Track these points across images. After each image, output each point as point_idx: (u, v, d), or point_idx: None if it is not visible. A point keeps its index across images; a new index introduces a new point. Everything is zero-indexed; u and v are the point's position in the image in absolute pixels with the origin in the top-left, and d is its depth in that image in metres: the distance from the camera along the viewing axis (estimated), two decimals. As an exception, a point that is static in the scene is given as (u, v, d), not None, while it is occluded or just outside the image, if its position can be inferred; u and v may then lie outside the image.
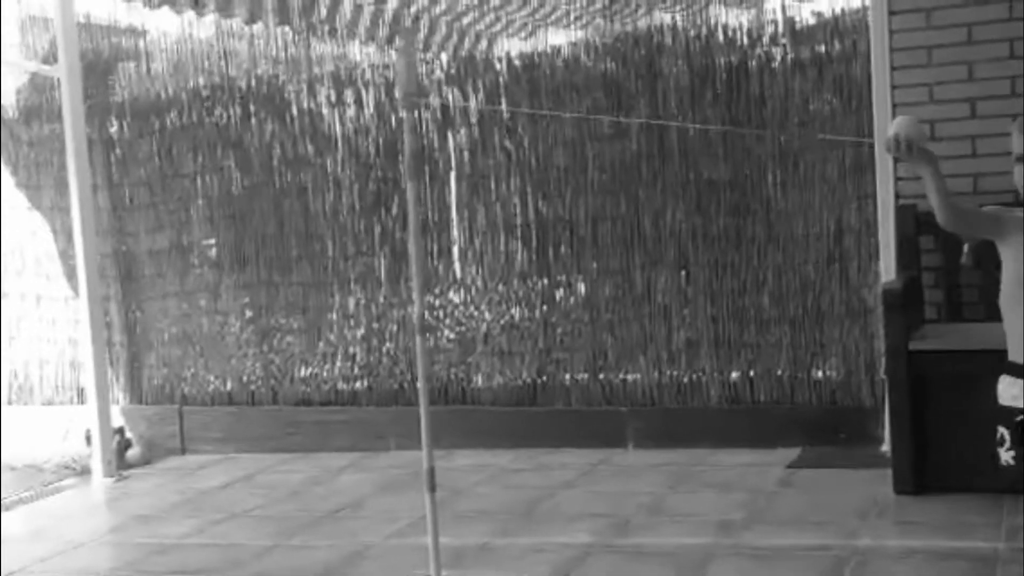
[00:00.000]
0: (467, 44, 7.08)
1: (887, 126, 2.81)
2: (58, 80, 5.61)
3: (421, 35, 6.70)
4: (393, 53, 6.07)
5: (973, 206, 3.01)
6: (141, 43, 6.33)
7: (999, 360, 2.80)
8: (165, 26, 6.40)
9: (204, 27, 6.23)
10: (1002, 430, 2.79)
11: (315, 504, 4.65)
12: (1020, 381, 2.74)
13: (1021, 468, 2.76)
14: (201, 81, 6.08)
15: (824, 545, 3.52)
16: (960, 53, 4.46)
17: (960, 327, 4.21)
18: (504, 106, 5.46)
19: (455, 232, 5.61)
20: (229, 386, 6.02)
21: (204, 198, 6.05)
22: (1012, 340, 2.77)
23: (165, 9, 5.83)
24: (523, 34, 6.86)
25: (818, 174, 4.97)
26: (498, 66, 5.53)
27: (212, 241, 6.07)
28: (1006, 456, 2.78)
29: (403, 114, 3.27)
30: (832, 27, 4.98)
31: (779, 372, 5.05)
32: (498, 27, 6.94)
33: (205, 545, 4.18)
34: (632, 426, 5.20)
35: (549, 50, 5.53)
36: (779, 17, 5.12)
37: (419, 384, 3.13)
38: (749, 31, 5.12)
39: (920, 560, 3.31)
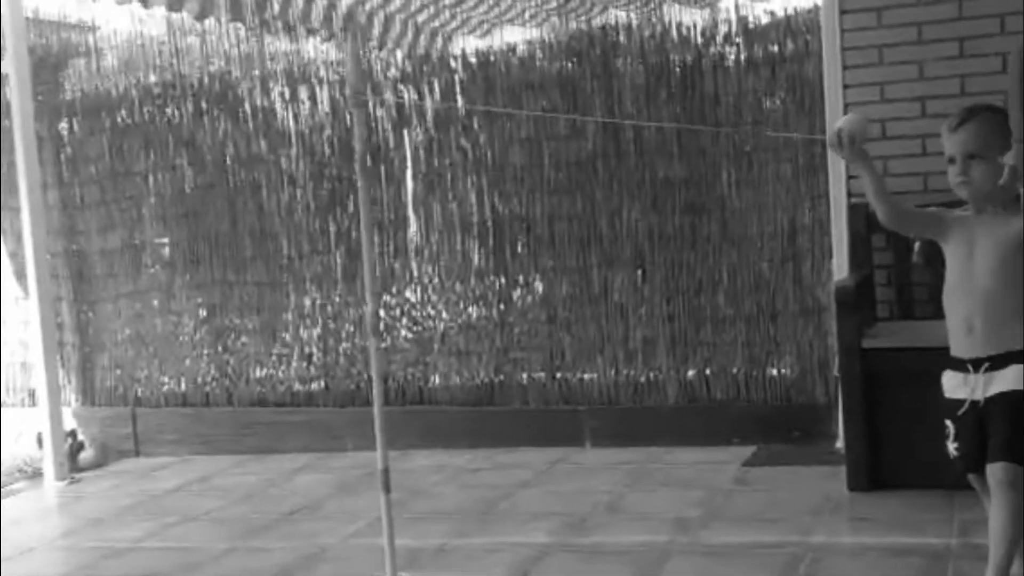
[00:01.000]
0: (423, 42, 7.05)
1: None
2: (6, 76, 5.52)
3: (376, 32, 6.66)
4: (344, 50, 6.03)
5: (913, 206, 3.07)
6: (91, 39, 6.25)
7: (948, 357, 2.85)
8: (116, 22, 6.32)
9: (155, 23, 6.16)
10: (947, 422, 2.85)
11: (271, 506, 4.61)
12: (960, 375, 2.79)
13: (966, 458, 2.81)
14: (153, 78, 6.01)
15: (779, 542, 3.55)
16: (911, 52, 4.50)
17: (911, 324, 4.26)
18: (460, 103, 5.45)
19: (411, 231, 5.59)
20: (183, 387, 5.96)
21: (156, 196, 5.99)
22: (953, 336, 2.82)
23: (112, 3, 5.75)
24: (479, 32, 6.84)
25: (772, 173, 5.01)
26: (453, 64, 5.52)
27: (165, 240, 6.01)
28: (952, 447, 2.84)
29: (353, 112, 3.24)
30: (785, 26, 5.02)
31: (734, 370, 5.08)
32: (454, 25, 6.92)
33: (159, 549, 4.14)
34: (589, 425, 5.21)
35: (505, 48, 5.53)
36: (732, 16, 5.15)
37: (373, 384, 3.11)
38: (703, 30, 5.14)
39: (874, 556, 3.34)
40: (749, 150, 5.04)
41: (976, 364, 2.77)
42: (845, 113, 4.25)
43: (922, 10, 4.47)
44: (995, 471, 2.71)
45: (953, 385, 2.84)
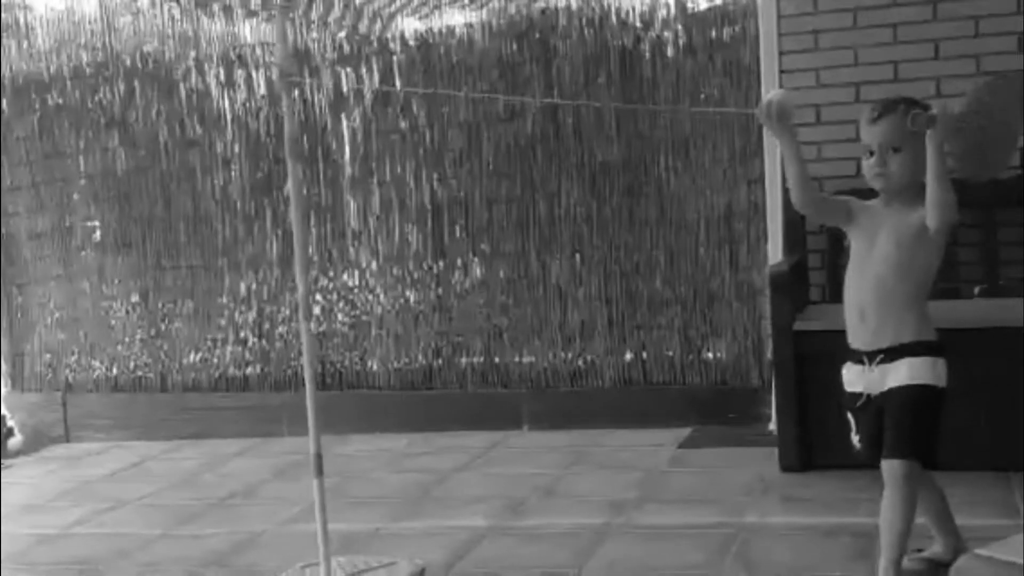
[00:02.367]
0: (363, 23, 6.98)
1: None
2: (-67, 56, 5.39)
3: (316, 13, 6.58)
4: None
5: (827, 193, 3.08)
6: (23, 18, 6.11)
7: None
8: (50, 0, 6.19)
9: (89, 3, 6.03)
10: (848, 414, 2.89)
11: (206, 491, 4.56)
12: (857, 367, 2.81)
13: (868, 451, 2.85)
14: (85, 58, 5.90)
15: (712, 523, 3.58)
16: (846, 38, 4.55)
17: (843, 307, 4.30)
18: (398, 86, 5.41)
19: (349, 214, 5.55)
20: (115, 372, 5.87)
21: (88, 178, 5.88)
22: (849, 324, 2.83)
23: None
24: (420, 14, 6.79)
25: (709, 157, 5.04)
26: (392, 46, 5.48)
27: (96, 223, 5.91)
28: (855, 439, 2.87)
29: (283, 93, 3.19)
30: (723, 11, 5.05)
31: (671, 353, 5.12)
32: (393, 7, 6.86)
33: (92, 535, 4.08)
34: (527, 408, 5.22)
35: (444, 30, 5.50)
36: (671, 1, 5.16)
37: (305, 367, 3.08)
38: (642, 14, 5.15)
39: (804, 536, 3.38)
40: (688, 135, 5.07)
41: (871, 357, 2.78)
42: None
43: (858, -4, 4.53)
44: (889, 467, 2.75)
45: (851, 378, 2.85)
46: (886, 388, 2.76)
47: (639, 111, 5.09)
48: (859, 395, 2.82)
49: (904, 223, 2.73)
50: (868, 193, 2.90)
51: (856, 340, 2.82)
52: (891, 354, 2.75)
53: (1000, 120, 2.64)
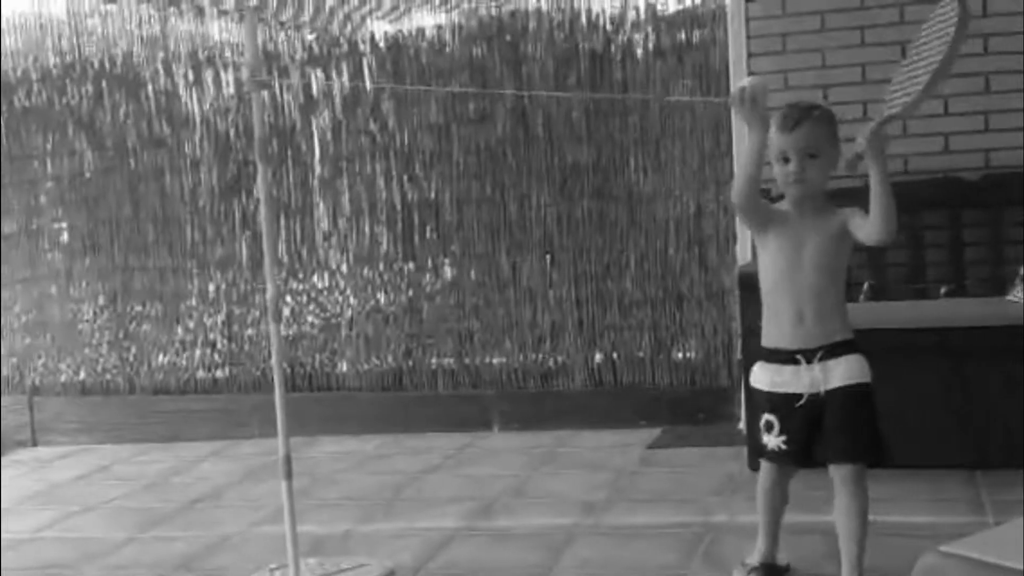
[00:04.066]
0: (333, 25, 6.96)
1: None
2: None
3: (287, 14, 6.56)
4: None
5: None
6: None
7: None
8: (17, 2, 6.13)
9: (56, 5, 5.98)
10: (768, 416, 2.87)
11: (174, 495, 4.53)
12: (789, 367, 2.82)
13: (795, 451, 2.86)
14: (53, 60, 5.85)
15: (681, 522, 3.60)
16: (814, 41, 4.58)
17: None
18: (368, 86, 5.40)
19: (319, 215, 5.54)
20: (83, 375, 5.83)
21: (55, 180, 5.84)
22: (778, 327, 2.85)
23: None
24: (391, 17, 6.78)
25: (679, 159, 5.07)
26: (362, 47, 5.47)
27: (64, 225, 5.86)
28: (776, 441, 2.86)
29: (252, 94, 3.18)
30: (692, 14, 5.08)
31: (641, 354, 5.14)
32: (364, 9, 6.85)
33: (59, 539, 4.04)
34: (498, 409, 5.22)
35: (414, 32, 5.49)
36: (641, 4, 5.18)
37: (274, 369, 3.06)
38: (612, 17, 5.17)
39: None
40: (658, 136, 5.09)
41: (809, 355, 2.79)
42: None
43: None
44: (841, 472, 2.78)
45: (781, 380, 2.84)
46: (832, 386, 2.79)
47: (612, 111, 5.10)
48: (794, 396, 2.82)
49: (827, 229, 2.80)
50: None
51: (791, 341, 2.82)
52: (829, 351, 2.80)
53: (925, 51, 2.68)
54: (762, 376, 2.89)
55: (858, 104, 4.27)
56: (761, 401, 2.91)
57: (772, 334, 2.87)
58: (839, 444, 2.79)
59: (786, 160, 2.79)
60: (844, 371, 2.79)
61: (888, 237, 2.70)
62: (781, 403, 2.84)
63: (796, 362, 2.81)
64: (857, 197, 2.77)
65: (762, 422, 2.89)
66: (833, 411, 2.79)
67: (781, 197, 2.93)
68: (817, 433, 2.84)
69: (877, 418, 2.82)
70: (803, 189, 2.80)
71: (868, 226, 2.70)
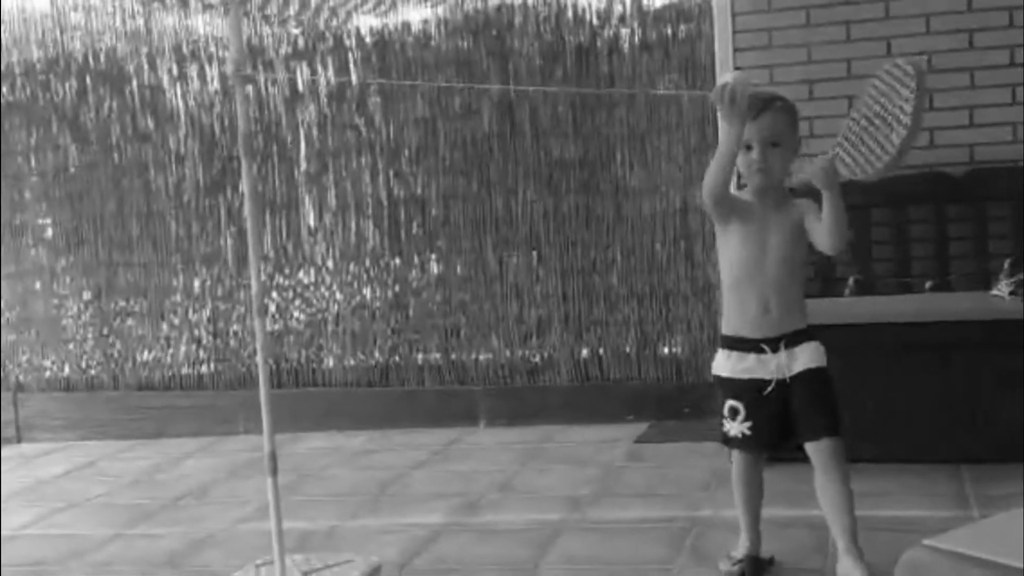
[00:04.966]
0: (319, 19, 6.94)
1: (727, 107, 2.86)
2: None
3: (273, 9, 6.53)
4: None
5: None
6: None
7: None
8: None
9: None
10: (733, 403, 2.89)
11: (160, 491, 4.52)
12: (753, 355, 2.84)
13: (762, 435, 2.88)
14: (36, 54, 5.82)
15: (668, 517, 3.60)
16: (799, 36, 4.59)
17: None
18: (354, 80, 5.39)
19: (305, 211, 5.52)
20: (67, 372, 5.80)
21: (39, 176, 5.81)
22: (743, 316, 2.87)
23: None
24: (377, 11, 6.76)
25: (665, 154, 5.07)
26: (347, 42, 5.45)
27: (48, 220, 5.84)
28: (740, 428, 2.88)
29: (236, 88, 3.16)
30: (678, 9, 5.07)
31: (627, 349, 5.14)
32: (350, 4, 6.83)
33: (44, 536, 4.02)
34: (484, 405, 5.22)
35: (399, 26, 5.48)
36: (627, -2, 5.18)
37: (259, 365, 3.05)
38: (598, 11, 5.17)
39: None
40: (643, 131, 5.09)
41: (773, 343, 2.84)
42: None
43: (810, -7, 4.57)
44: (822, 447, 2.83)
45: (745, 366, 2.87)
46: (796, 371, 2.83)
47: (598, 105, 5.10)
48: (760, 382, 2.84)
49: (789, 221, 2.84)
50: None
51: (756, 330, 2.86)
52: (792, 339, 2.85)
53: (882, 112, 2.67)
54: (725, 363, 2.92)
55: (843, 99, 4.29)
56: (724, 388, 2.93)
57: (735, 322, 2.91)
58: (819, 421, 2.84)
59: (749, 148, 2.81)
60: (809, 356, 2.84)
61: (836, 251, 2.80)
62: (746, 389, 2.88)
63: (760, 350, 2.85)
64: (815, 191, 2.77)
65: (726, 409, 2.92)
66: (804, 393, 2.84)
67: (741, 188, 2.96)
68: (781, 419, 2.87)
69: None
70: (766, 178, 2.83)
71: (819, 235, 2.77)
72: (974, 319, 3.77)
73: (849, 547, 2.81)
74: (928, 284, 4.28)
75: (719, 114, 2.73)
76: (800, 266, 2.91)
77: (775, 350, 2.84)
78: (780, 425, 2.88)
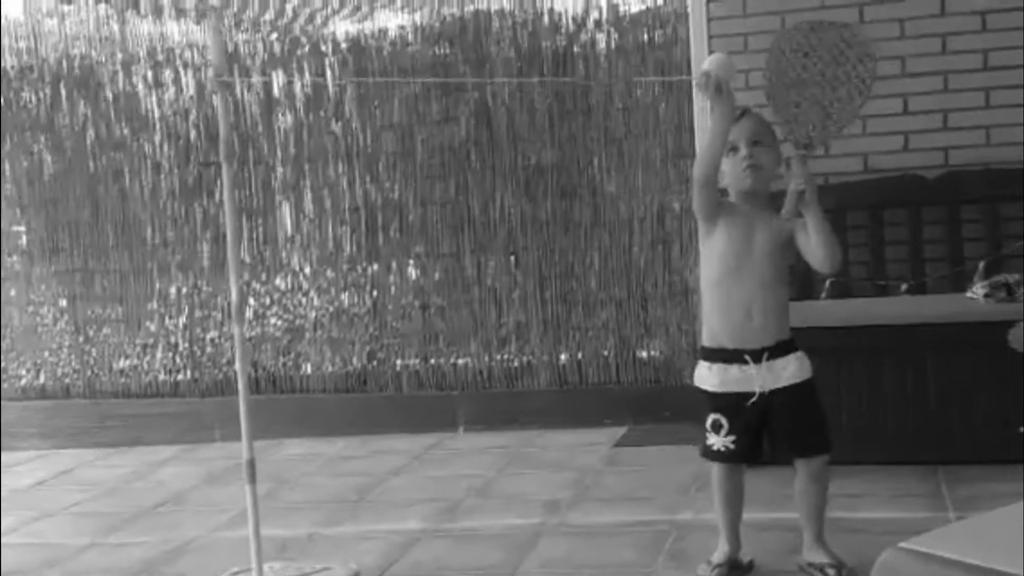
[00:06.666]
0: (296, 25, 6.94)
1: (706, 111, 2.88)
2: None
3: (249, 14, 6.53)
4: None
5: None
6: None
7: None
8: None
9: (14, 4, 5.92)
10: (717, 416, 2.87)
11: (136, 499, 4.48)
12: (735, 367, 2.82)
13: (743, 448, 2.88)
14: (10, 61, 5.79)
15: (646, 521, 3.60)
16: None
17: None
18: (330, 85, 5.38)
19: (282, 217, 5.51)
20: (43, 379, 5.76)
21: (13, 183, 5.77)
22: (726, 324, 2.84)
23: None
24: (355, 17, 6.76)
25: (642, 158, 5.08)
26: (324, 48, 5.44)
27: (22, 228, 5.80)
28: (724, 441, 2.88)
29: (217, 94, 3.15)
30: (654, 14, 5.10)
31: (606, 353, 5.15)
32: (327, 10, 6.82)
33: (18, 545, 3.98)
34: (463, 410, 5.21)
35: (377, 32, 5.48)
36: (603, 3, 5.20)
37: (238, 372, 3.04)
38: (575, 17, 5.18)
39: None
40: (621, 136, 5.11)
41: (756, 355, 2.80)
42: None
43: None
44: (811, 465, 2.87)
45: (730, 379, 2.84)
46: (781, 384, 2.81)
47: (576, 111, 5.12)
48: (743, 395, 2.82)
49: (775, 229, 2.81)
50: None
51: (739, 340, 2.82)
52: (776, 350, 2.81)
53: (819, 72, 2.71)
54: (708, 376, 2.88)
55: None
56: (706, 401, 2.91)
57: (717, 332, 2.86)
58: (811, 440, 2.86)
59: (735, 150, 2.79)
60: (794, 370, 2.82)
61: (833, 266, 2.79)
62: (730, 403, 2.85)
63: (743, 361, 2.81)
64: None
65: (709, 422, 2.90)
66: (792, 410, 2.83)
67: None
68: (762, 430, 2.87)
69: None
70: (756, 174, 2.80)
71: (814, 256, 2.76)
72: (949, 321, 3.79)
73: (819, 537, 2.91)
74: (904, 287, 4.30)
75: (703, 100, 2.74)
76: (785, 274, 2.88)
77: (757, 362, 2.80)
78: (759, 436, 2.89)
